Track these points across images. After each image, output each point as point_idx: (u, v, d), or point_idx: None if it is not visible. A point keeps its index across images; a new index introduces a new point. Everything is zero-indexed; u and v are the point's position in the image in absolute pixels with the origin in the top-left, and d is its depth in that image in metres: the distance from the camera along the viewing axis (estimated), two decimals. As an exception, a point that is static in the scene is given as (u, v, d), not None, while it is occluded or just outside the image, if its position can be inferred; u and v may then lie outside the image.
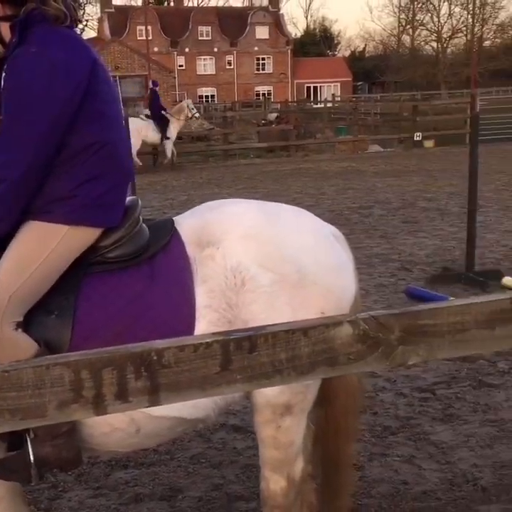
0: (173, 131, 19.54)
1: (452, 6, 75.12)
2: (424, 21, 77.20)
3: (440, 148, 22.63)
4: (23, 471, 2.27)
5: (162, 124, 19.26)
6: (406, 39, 79.36)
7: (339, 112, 36.72)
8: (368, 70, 73.48)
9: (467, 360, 5.22)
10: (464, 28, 73.42)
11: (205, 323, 2.33)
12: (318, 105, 46.64)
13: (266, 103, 39.33)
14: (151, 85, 20.64)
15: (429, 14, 76.43)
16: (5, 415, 1.21)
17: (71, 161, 2.27)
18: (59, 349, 2.20)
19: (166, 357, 1.27)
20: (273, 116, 32.21)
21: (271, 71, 70.17)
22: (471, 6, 57.75)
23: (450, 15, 75.06)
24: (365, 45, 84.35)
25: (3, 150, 2.19)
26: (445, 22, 75.26)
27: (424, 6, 76.65)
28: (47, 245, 2.25)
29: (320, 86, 70.76)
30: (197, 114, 21.35)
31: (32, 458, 2.25)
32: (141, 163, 18.85)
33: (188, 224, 2.50)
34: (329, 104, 42.42)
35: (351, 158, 21.09)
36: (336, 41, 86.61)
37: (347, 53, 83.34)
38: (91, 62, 2.26)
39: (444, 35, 75.01)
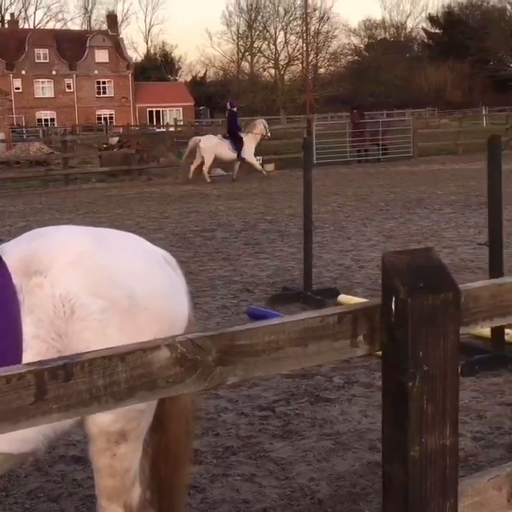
0: (251, 147, 21.18)
1: (288, 35, 78.05)
2: (262, 48, 79.72)
3: (280, 172, 23.27)
4: None
5: (237, 142, 20.77)
6: (245, 65, 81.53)
7: (181, 136, 36.84)
8: (210, 94, 74.65)
9: (306, 376, 5.38)
10: (300, 56, 76.35)
11: (33, 354, 2.27)
12: (161, 129, 46.76)
13: (108, 127, 38.93)
14: (228, 106, 22.46)
15: (267, 42, 78.98)
16: None
17: None
18: None
19: (-24, 390, 1.23)
20: (115, 140, 31.86)
21: (112, 95, 69.68)
22: (305, 35, 60.05)
23: (286, 43, 77.98)
24: (206, 70, 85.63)
25: None
26: (282, 49, 78.15)
27: (261, 33, 79.11)
28: None
29: (162, 110, 70.97)
30: (269, 134, 22.55)
31: None
32: (209, 180, 20.51)
33: (14, 252, 2.44)
34: (171, 129, 42.65)
35: (194, 181, 21.26)
36: (177, 66, 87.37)
37: (188, 78, 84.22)
38: None
39: (281, 62, 77.83)
